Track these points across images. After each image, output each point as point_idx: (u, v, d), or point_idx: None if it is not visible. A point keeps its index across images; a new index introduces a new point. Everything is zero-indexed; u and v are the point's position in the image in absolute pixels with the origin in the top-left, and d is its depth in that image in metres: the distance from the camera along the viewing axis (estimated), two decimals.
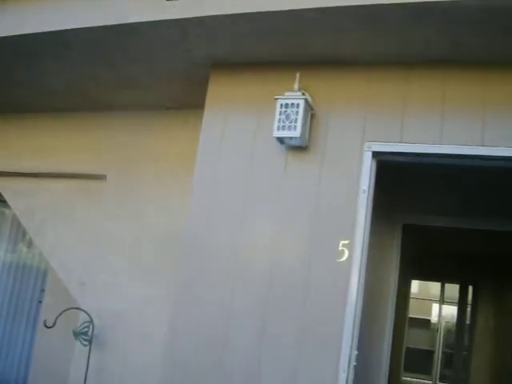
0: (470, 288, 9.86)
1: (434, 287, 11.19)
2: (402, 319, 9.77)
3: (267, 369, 3.11)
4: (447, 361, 10.29)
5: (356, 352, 3.02)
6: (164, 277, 4.06)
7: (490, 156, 2.97)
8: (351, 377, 2.99)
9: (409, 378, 10.15)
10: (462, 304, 9.90)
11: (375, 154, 3.13)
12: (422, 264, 9.26)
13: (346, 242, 3.05)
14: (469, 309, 9.91)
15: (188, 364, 3.29)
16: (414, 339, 10.98)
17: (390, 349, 4.96)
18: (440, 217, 4.96)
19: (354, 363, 2.99)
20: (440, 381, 10.10)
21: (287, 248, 3.21)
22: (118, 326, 4.32)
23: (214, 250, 3.36)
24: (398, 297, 8.56)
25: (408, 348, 10.24)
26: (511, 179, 4.20)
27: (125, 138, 4.60)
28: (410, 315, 10.38)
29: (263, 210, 3.31)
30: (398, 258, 5.06)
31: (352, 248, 3.04)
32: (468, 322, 9.91)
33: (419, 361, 10.97)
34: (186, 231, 3.50)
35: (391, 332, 4.99)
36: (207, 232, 3.40)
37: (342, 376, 2.93)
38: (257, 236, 3.29)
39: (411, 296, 10.43)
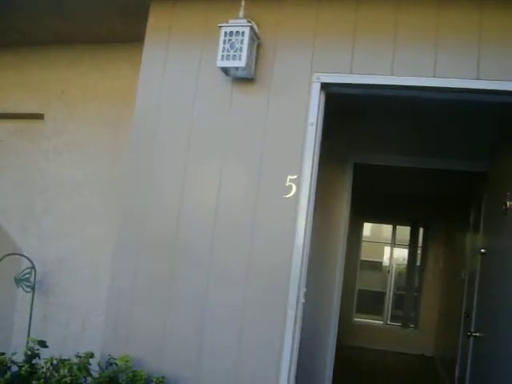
0: (421, 230, 10.03)
1: (386, 230, 11.34)
2: (355, 262, 9.91)
3: (215, 303, 3.04)
4: (398, 302, 10.52)
5: (305, 289, 2.96)
6: (110, 218, 3.90)
7: (442, 87, 2.88)
8: (300, 314, 2.94)
9: (361, 319, 10.35)
10: (412, 246, 10.08)
11: (324, 86, 3.00)
12: (374, 206, 9.34)
13: (294, 177, 2.94)
14: (419, 251, 10.10)
15: (131, 301, 3.19)
16: (366, 281, 11.16)
17: (340, 290, 4.97)
18: (392, 156, 4.92)
19: (302, 300, 2.94)
20: (391, 321, 10.35)
21: (234, 184, 3.09)
22: (62, 270, 4.19)
23: (158, 189, 3.22)
24: (350, 239, 8.65)
25: (360, 290, 10.42)
26: (464, 117, 4.18)
27: (64, 75, 4.35)
28: (363, 258, 10.53)
29: (208, 145, 3.16)
30: (349, 198, 5.01)
31: (300, 183, 2.94)
32: (418, 263, 10.11)
33: (371, 302, 11.17)
34: (127, 170, 3.34)
35: (342, 273, 4.98)
36: (149, 171, 3.24)
37: (290, 313, 2.88)
38: (202, 173, 3.16)
39: (363, 239, 10.56)
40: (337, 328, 4.95)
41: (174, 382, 3.02)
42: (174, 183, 3.18)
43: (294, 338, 2.90)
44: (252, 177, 3.05)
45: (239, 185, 3.08)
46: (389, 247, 10.60)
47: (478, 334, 3.93)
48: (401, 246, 10.59)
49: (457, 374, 6.13)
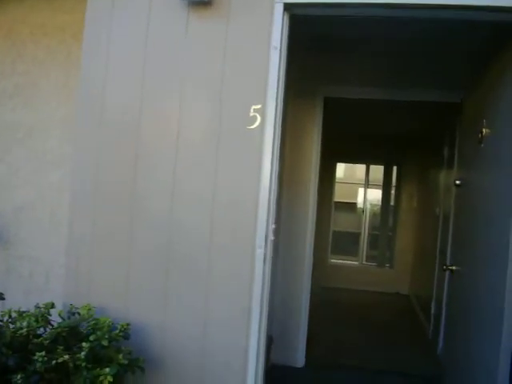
0: (395, 169, 9.94)
1: (360, 171, 11.27)
2: (329, 203, 9.83)
3: (180, 245, 2.88)
4: (373, 242, 10.53)
5: (274, 226, 2.80)
6: (68, 164, 3.66)
7: (413, 4, 2.67)
8: (269, 253, 2.80)
9: (336, 261, 10.36)
10: (386, 185, 10.01)
11: (287, 7, 2.77)
12: (347, 147, 9.20)
13: (258, 106, 2.74)
14: (393, 191, 10.05)
15: (91, 249, 3.02)
16: (341, 223, 11.13)
17: (313, 231, 4.85)
18: (364, 88, 4.71)
19: (271, 238, 2.79)
20: (366, 261, 10.38)
21: (194, 115, 2.88)
22: (22, 220, 3.96)
23: (113, 125, 2.99)
24: (323, 181, 8.53)
25: (335, 232, 10.38)
26: (437, 46, 3.99)
27: (11, 12, 4.02)
28: (337, 199, 10.45)
29: (165, 74, 2.92)
30: (320, 134, 4.83)
31: (264, 114, 2.74)
32: (393, 203, 10.07)
33: (346, 243, 11.18)
34: (78, 110, 3.11)
35: (315, 214, 4.85)
36: (102, 109, 3.00)
37: (259, 252, 2.72)
38: (159, 108, 2.93)
39: (337, 181, 10.45)
40: (311, 269, 4.86)
41: (140, 329, 2.88)
42: (129, 118, 2.95)
43: (264, 277, 2.76)
44: (213, 107, 2.84)
45: (200, 116, 2.87)
46: (362, 188, 10.51)
47: (453, 268, 3.84)
48: (374, 186, 10.51)
49: (432, 310, 6.13)
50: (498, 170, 3.10)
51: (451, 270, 3.88)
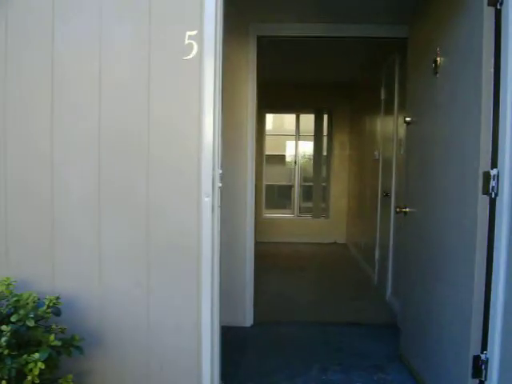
0: (325, 117, 9.71)
1: (289, 123, 10.97)
2: (259, 157, 9.54)
3: (114, 198, 2.48)
4: (307, 194, 10.36)
5: (220, 171, 2.44)
6: None
7: None
8: (217, 201, 2.44)
9: (271, 215, 10.14)
10: (317, 135, 9.77)
11: None
12: (275, 96, 8.88)
13: (194, 32, 2.34)
14: (325, 141, 9.83)
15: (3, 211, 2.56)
16: (273, 176, 10.89)
17: (253, 184, 4.51)
18: (301, 24, 4.32)
19: (219, 184, 2.43)
20: (301, 213, 10.20)
21: (117, 44, 2.43)
22: None
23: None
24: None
25: (267, 185, 10.13)
26: None
27: None
28: (267, 153, 10.16)
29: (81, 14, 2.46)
30: (255, 79, 4.45)
31: (201, 41, 2.34)
32: (325, 153, 9.87)
33: (280, 197, 10.97)
34: None
35: (253, 167, 4.51)
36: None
37: (206, 201, 2.36)
38: (74, 36, 2.46)
39: (267, 133, 10.13)
40: (253, 224, 4.54)
41: (73, 302, 2.47)
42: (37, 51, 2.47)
43: (213, 229, 2.41)
44: (140, 32, 2.40)
45: (125, 42, 2.42)
46: (292, 141, 10.24)
47: (407, 210, 3.62)
48: (305, 137, 10.27)
49: (376, 256, 5.98)
50: (456, 99, 2.85)
51: (404, 212, 3.66)
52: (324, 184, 9.86)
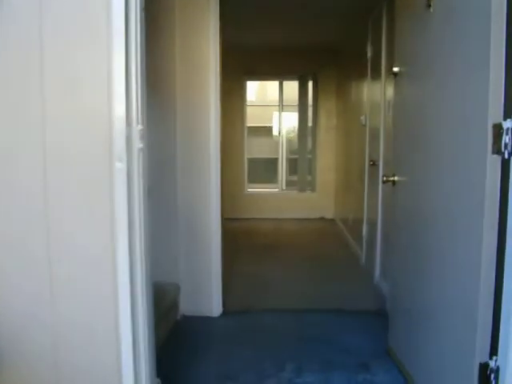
0: (310, 85, 9.03)
1: (273, 92, 10.28)
2: (241, 128, 8.93)
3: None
4: (292, 167, 9.76)
5: (141, 127, 1.82)
6: None
7: None
8: (138, 169, 1.83)
9: (255, 190, 9.55)
10: (302, 105, 9.10)
11: None
12: (256, 62, 8.28)
13: None
14: (310, 111, 9.18)
15: None
16: (257, 149, 10.28)
17: (218, 159, 3.89)
18: None
19: (139, 145, 1.81)
20: (287, 187, 9.62)
21: None
22: None
23: None
24: (232, 103, 7.66)
25: (251, 159, 9.52)
26: None
27: None
28: (250, 124, 9.52)
29: None
30: (217, 36, 3.80)
31: None
32: (310, 124, 9.24)
33: (264, 170, 10.39)
34: None
35: (218, 141, 3.88)
36: None
37: (118, 168, 1.75)
38: None
39: (249, 104, 9.46)
40: (219, 200, 3.92)
41: None
42: None
43: (130, 201, 1.80)
44: None
45: None
46: (277, 111, 9.58)
47: (395, 178, 3.03)
48: (290, 107, 9.63)
49: (364, 233, 5.40)
50: (456, 35, 2.23)
51: (392, 182, 3.07)
52: (310, 156, 9.25)
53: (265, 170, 10.44)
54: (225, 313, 4.00)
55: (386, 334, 3.30)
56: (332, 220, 8.79)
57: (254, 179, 9.75)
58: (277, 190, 9.54)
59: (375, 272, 4.74)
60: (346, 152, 7.39)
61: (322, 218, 8.97)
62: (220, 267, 3.96)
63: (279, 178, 9.56)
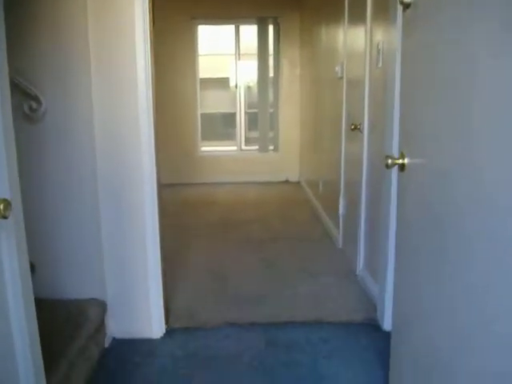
0: (271, 29, 7.92)
1: (228, 40, 9.11)
2: (192, 80, 7.86)
3: None
4: (252, 122, 8.73)
5: None
6: None
7: None
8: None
9: (210, 149, 8.54)
10: (262, 52, 8.00)
11: None
12: (209, 2, 7.18)
13: None
14: (272, 60, 8.11)
15: None
16: (212, 103, 9.20)
17: (152, 115, 2.82)
18: None
19: None
20: (246, 145, 8.61)
21: None
22: None
23: None
24: (182, 51, 6.69)
25: (205, 114, 8.46)
26: None
27: None
28: (203, 76, 8.40)
29: None
30: None
31: None
32: (272, 74, 8.17)
33: (220, 127, 9.35)
34: None
35: (151, 96, 2.81)
36: None
37: None
38: None
39: (202, 54, 8.30)
40: (153, 160, 2.84)
41: None
42: None
43: None
44: None
45: None
46: (233, 60, 8.45)
47: (406, 161, 2.05)
48: (248, 56, 8.54)
49: (341, 210, 4.46)
50: None
51: (401, 166, 2.10)
52: (272, 110, 8.23)
53: (222, 125, 9.40)
54: (168, 332, 3.01)
55: (381, 362, 2.42)
56: (298, 183, 7.88)
57: (209, 137, 8.71)
58: (235, 148, 8.53)
59: (358, 262, 3.82)
60: (314, 107, 6.36)
61: (286, 181, 8.07)
62: (160, 271, 2.97)
63: (237, 134, 8.52)
